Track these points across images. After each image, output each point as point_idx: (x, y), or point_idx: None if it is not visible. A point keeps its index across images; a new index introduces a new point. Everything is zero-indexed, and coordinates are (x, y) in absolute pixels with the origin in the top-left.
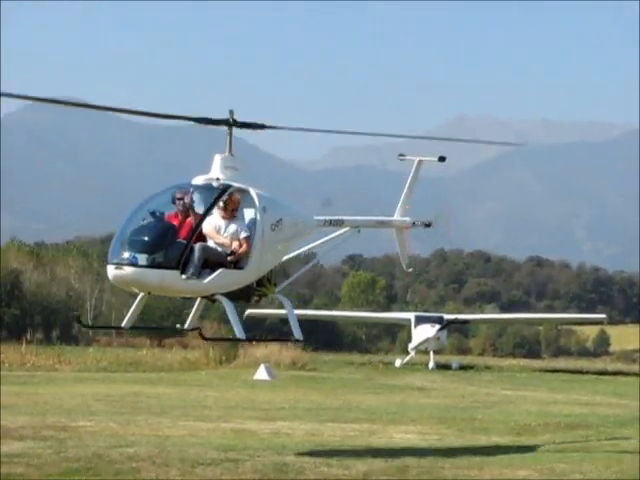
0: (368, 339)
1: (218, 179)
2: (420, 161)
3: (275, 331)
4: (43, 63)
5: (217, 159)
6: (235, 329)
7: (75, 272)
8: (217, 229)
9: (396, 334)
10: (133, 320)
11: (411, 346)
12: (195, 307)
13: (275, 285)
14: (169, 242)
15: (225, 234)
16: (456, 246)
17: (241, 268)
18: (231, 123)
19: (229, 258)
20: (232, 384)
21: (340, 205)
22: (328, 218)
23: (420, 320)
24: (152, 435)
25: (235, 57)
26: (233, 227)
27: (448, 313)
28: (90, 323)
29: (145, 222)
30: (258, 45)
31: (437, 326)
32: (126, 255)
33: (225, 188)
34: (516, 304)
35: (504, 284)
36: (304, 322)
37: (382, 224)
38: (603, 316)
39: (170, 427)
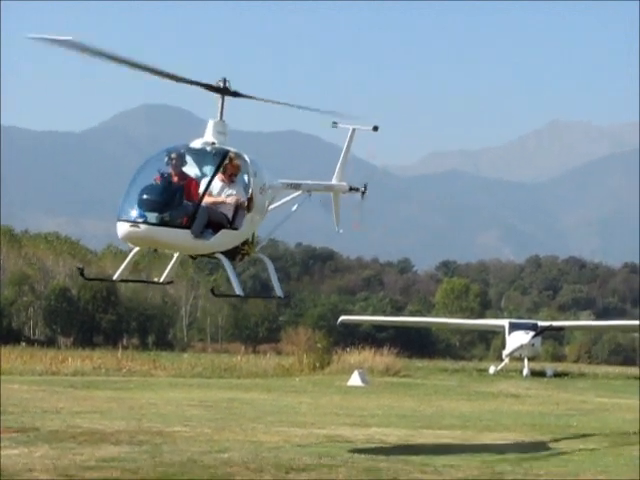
0: (462, 346)
1: (214, 143)
2: (354, 130)
3: (369, 337)
4: None
5: (210, 124)
6: (235, 286)
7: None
8: (215, 190)
9: (490, 341)
10: (125, 274)
11: (505, 353)
12: (171, 264)
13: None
14: (180, 202)
15: (224, 196)
16: (550, 252)
17: (236, 229)
18: (224, 90)
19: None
20: (326, 390)
21: (434, 210)
22: (289, 182)
23: (514, 327)
24: (246, 441)
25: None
26: (232, 190)
27: (542, 320)
28: (185, 329)
29: (155, 182)
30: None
31: (531, 333)
32: (141, 213)
33: (225, 152)
34: (611, 311)
35: (599, 291)
36: (399, 328)
37: (327, 188)
38: None
39: (264, 433)
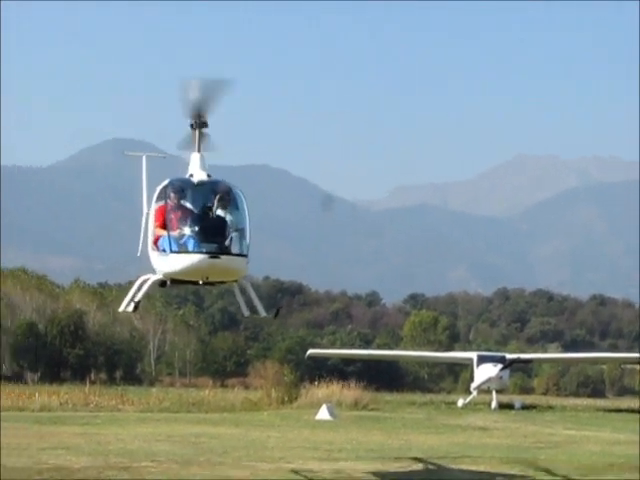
0: (430, 378)
1: (209, 175)
2: (148, 157)
3: (337, 370)
4: None
5: (197, 157)
6: (259, 307)
7: (138, 313)
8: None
9: (458, 373)
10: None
11: (473, 386)
12: (142, 291)
13: None
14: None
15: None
16: (519, 285)
17: None
18: (195, 125)
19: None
20: (294, 424)
21: (402, 244)
22: None
23: (482, 359)
24: (214, 476)
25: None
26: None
27: (510, 352)
28: (153, 363)
29: (214, 216)
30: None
31: (499, 365)
32: (219, 246)
33: (229, 185)
34: (579, 343)
35: (567, 323)
36: (367, 361)
37: None
38: None
39: (232, 468)
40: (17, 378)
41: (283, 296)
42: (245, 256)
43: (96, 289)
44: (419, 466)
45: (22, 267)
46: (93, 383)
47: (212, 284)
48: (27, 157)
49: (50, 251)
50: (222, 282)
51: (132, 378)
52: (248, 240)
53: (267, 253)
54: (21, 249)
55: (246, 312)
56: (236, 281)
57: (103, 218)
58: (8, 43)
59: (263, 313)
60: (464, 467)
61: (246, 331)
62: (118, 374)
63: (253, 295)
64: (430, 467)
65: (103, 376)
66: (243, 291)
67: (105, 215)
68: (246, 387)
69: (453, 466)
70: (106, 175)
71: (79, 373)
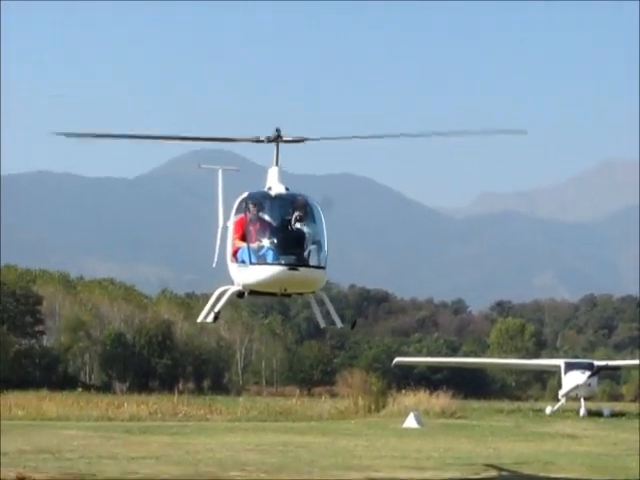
0: (518, 386)
1: (287, 189)
2: (223, 170)
3: (424, 378)
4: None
5: (276, 171)
6: (335, 318)
7: (225, 322)
8: None
9: (546, 381)
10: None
11: (561, 393)
12: (221, 302)
13: None
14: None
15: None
16: (606, 291)
17: None
18: (278, 140)
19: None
20: (381, 433)
21: (488, 251)
22: None
23: (570, 366)
24: None
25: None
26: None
27: (598, 359)
28: (240, 372)
29: (293, 228)
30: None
31: (587, 372)
32: (298, 258)
33: (307, 197)
34: None
35: None
36: (454, 369)
37: None
38: None
39: (320, 476)
40: (106, 388)
41: (369, 304)
42: (323, 268)
43: (183, 299)
44: (492, 473)
45: (110, 278)
46: (181, 393)
47: (289, 295)
48: (112, 169)
49: (139, 260)
50: (300, 293)
51: (219, 387)
52: (326, 252)
53: (353, 262)
54: (111, 259)
55: (322, 323)
56: (313, 292)
57: (194, 228)
58: (105, 61)
59: (339, 324)
60: (552, 475)
61: (332, 340)
62: (206, 384)
63: (330, 306)
64: (504, 474)
65: (191, 386)
66: (320, 302)
67: (194, 225)
68: (333, 396)
69: (542, 474)
70: (191, 185)
71: (167, 383)
